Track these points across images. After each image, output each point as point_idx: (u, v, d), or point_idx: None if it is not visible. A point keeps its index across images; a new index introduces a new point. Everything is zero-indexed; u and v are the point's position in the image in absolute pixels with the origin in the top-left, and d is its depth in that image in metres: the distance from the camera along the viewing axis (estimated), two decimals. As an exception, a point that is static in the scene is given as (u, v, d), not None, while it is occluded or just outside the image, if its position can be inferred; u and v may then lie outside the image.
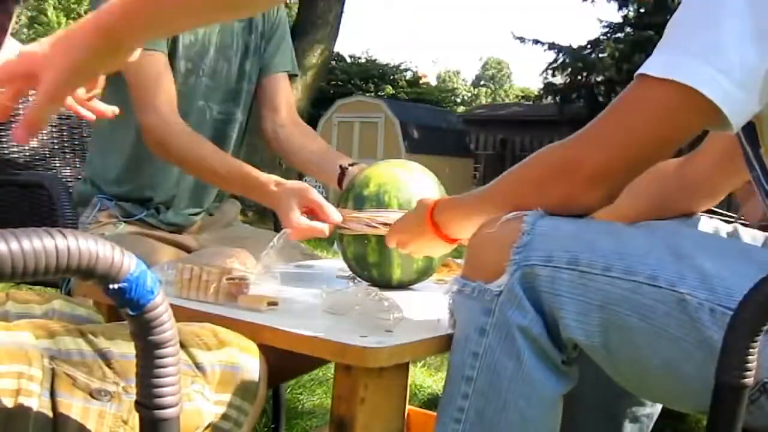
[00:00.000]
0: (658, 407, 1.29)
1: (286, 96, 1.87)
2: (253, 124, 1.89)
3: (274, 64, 1.85)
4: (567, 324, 0.93)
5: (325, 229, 1.42)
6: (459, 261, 1.64)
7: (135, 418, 0.75)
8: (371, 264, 1.36)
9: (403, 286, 1.38)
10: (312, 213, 1.44)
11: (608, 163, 0.96)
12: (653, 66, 0.92)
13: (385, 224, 1.32)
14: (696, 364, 0.88)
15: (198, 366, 0.85)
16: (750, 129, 0.99)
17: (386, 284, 1.36)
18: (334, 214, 1.41)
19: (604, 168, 0.96)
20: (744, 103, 0.89)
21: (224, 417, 0.86)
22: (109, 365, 0.78)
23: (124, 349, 0.80)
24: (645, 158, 0.97)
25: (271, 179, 1.52)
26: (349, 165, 1.67)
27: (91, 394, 0.74)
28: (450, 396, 1.00)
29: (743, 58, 0.88)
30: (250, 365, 0.92)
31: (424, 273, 1.38)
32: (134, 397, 0.75)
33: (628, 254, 0.92)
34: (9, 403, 0.71)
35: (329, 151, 1.80)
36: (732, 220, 1.28)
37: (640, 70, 0.93)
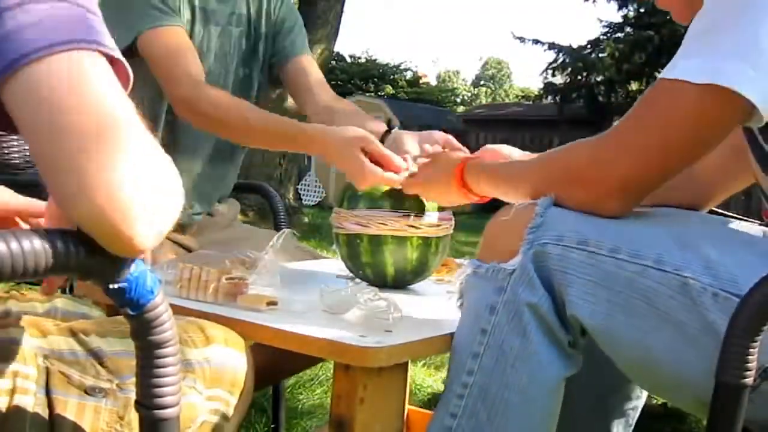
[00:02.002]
0: (643, 400, 1.30)
1: (315, 75, 1.83)
2: None
3: (291, 50, 1.82)
4: (572, 301, 0.95)
5: (396, 179, 1.34)
6: (458, 260, 1.64)
7: (131, 414, 0.75)
8: (364, 263, 1.36)
9: (399, 285, 1.38)
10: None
11: (638, 172, 0.95)
12: (688, 71, 0.91)
13: (379, 224, 1.32)
14: (698, 348, 0.89)
15: (187, 362, 0.85)
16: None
17: (381, 283, 1.35)
18: (401, 163, 1.35)
19: (634, 177, 0.96)
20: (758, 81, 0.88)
21: (214, 412, 0.87)
22: (101, 363, 0.78)
23: (116, 347, 0.80)
24: (677, 164, 0.97)
25: (319, 128, 1.46)
26: (389, 129, 1.62)
27: (85, 391, 0.75)
28: (455, 372, 1.02)
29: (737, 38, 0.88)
30: (237, 360, 0.92)
31: (420, 272, 1.38)
32: (129, 394, 0.76)
33: (637, 238, 0.94)
34: (5, 402, 0.71)
35: (363, 117, 1.72)
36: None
37: (674, 76, 0.92)
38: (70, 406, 0.74)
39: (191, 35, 1.66)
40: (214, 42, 1.71)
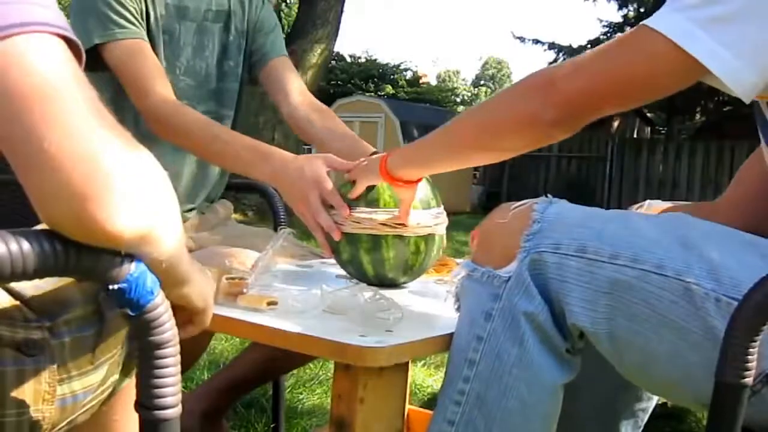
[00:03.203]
0: (653, 401, 1.30)
1: (293, 78, 1.84)
2: (244, 122, 1.89)
3: (268, 52, 1.85)
4: (573, 311, 0.94)
5: (327, 247, 1.37)
6: (458, 260, 1.64)
7: (67, 360, 0.71)
8: (345, 261, 1.37)
9: (385, 284, 1.37)
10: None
11: (587, 91, 0.96)
12: (669, 25, 0.91)
13: (353, 222, 1.31)
14: (700, 353, 0.89)
15: None
16: None
17: (366, 281, 1.36)
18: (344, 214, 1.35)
19: (582, 94, 0.96)
20: (742, 73, 0.88)
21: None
22: (26, 303, 0.71)
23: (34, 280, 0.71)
24: (623, 97, 0.97)
25: (284, 155, 1.45)
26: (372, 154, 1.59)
27: (19, 349, 0.69)
28: (451, 378, 1.01)
29: (743, 30, 0.88)
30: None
31: (402, 271, 1.36)
32: (63, 338, 0.71)
33: (636, 243, 0.93)
34: None
35: (357, 141, 1.73)
36: None
37: (655, 25, 0.92)
38: (9, 376, 0.68)
39: (168, 31, 1.69)
40: (191, 37, 1.73)
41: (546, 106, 0.97)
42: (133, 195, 0.58)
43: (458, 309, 1.06)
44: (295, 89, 1.81)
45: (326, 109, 1.82)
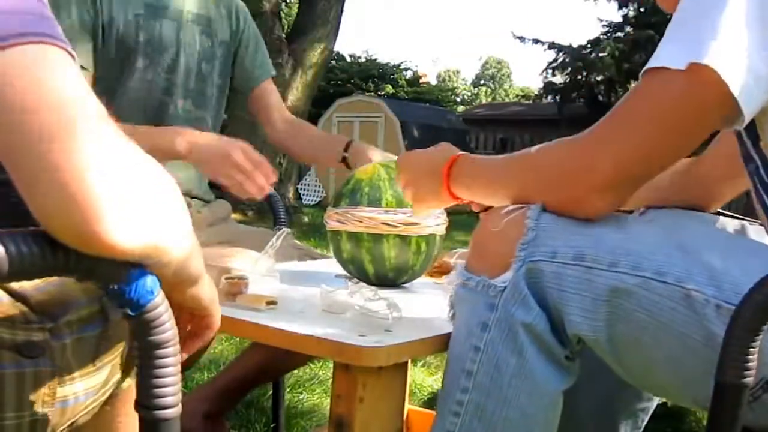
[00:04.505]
0: (654, 401, 1.29)
1: (274, 99, 1.97)
2: (239, 122, 1.93)
3: (258, 76, 1.94)
4: (572, 320, 0.93)
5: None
6: (453, 260, 1.64)
7: (69, 362, 0.71)
8: (346, 260, 1.38)
9: (387, 283, 1.37)
10: None
11: (619, 171, 0.91)
12: (671, 57, 0.88)
13: (355, 221, 1.33)
14: (700, 359, 0.88)
15: None
16: (750, 123, 0.97)
17: (366, 280, 1.36)
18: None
19: (615, 176, 0.92)
20: (755, 96, 0.86)
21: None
22: (27, 305, 0.71)
23: (35, 281, 0.72)
24: (662, 159, 0.93)
25: (194, 131, 1.60)
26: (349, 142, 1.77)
27: (19, 352, 0.68)
28: (449, 389, 1.00)
29: (756, 53, 0.85)
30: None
31: (402, 271, 1.36)
32: (64, 339, 0.71)
33: (635, 249, 0.92)
34: None
35: (326, 136, 1.89)
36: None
37: (657, 64, 0.89)
38: (8, 378, 0.68)
39: (148, 30, 1.71)
40: (173, 35, 1.74)
41: (584, 198, 0.94)
42: (139, 211, 0.58)
43: (452, 317, 1.05)
44: (276, 114, 1.96)
45: (295, 121, 1.99)
